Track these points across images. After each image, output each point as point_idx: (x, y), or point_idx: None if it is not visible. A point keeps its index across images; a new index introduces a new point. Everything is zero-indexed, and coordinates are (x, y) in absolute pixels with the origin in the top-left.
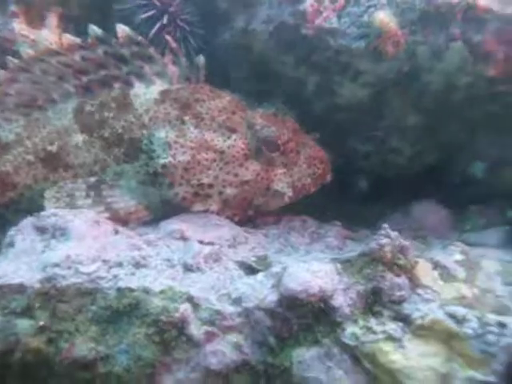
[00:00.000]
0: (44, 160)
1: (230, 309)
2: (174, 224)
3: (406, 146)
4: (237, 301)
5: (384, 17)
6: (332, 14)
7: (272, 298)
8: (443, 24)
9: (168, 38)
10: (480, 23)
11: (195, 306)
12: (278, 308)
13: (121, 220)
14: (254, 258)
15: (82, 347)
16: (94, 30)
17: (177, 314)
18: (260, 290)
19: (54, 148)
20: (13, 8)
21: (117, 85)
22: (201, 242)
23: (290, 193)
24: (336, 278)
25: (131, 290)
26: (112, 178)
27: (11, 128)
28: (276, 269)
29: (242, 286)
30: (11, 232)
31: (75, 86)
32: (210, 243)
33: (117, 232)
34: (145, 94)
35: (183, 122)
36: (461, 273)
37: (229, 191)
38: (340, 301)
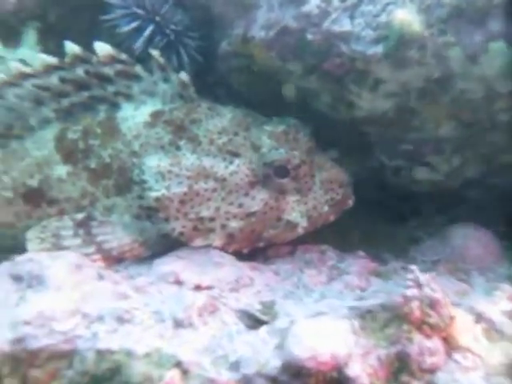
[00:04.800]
0: (25, 196)
1: (226, 375)
2: (167, 265)
3: (442, 160)
4: (234, 365)
5: (405, 16)
6: (343, 15)
7: (275, 363)
8: (480, 21)
9: (154, 52)
10: None
11: (184, 372)
12: (282, 376)
13: (114, 259)
14: (258, 306)
15: None
16: (72, 47)
17: None
18: (262, 352)
19: (34, 182)
20: None
21: (102, 107)
22: (198, 287)
23: (304, 223)
24: (352, 340)
25: (112, 351)
26: (102, 213)
27: None
28: (281, 323)
29: (241, 345)
30: None
31: (55, 111)
32: (209, 287)
33: (101, 277)
34: (133, 116)
35: (178, 148)
36: (509, 328)
37: (233, 224)
38: (357, 369)
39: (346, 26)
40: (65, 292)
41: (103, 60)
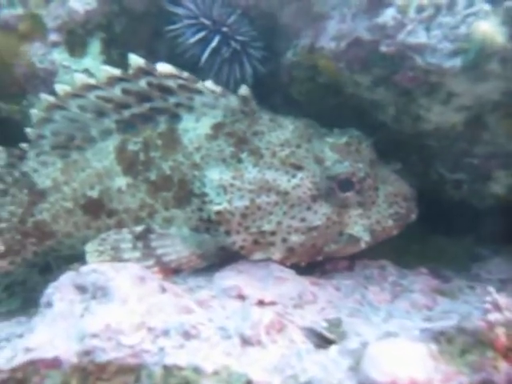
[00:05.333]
0: (84, 206)
1: None
2: (229, 279)
3: (508, 175)
4: None
5: (488, 28)
6: (419, 27)
7: None
8: None
9: (208, 84)
10: None
11: None
12: None
13: (172, 271)
14: (324, 324)
15: None
16: (136, 59)
17: None
18: (334, 373)
19: (94, 193)
20: (54, 37)
21: (162, 118)
22: (261, 302)
23: (367, 237)
24: (431, 365)
25: (179, 368)
26: (161, 225)
27: (47, 173)
28: (352, 344)
29: (311, 365)
30: (49, 290)
31: (116, 122)
32: (272, 303)
33: (164, 290)
34: (195, 128)
35: (239, 160)
36: None
37: (294, 238)
38: None
39: (421, 37)
40: (130, 305)
41: (165, 75)
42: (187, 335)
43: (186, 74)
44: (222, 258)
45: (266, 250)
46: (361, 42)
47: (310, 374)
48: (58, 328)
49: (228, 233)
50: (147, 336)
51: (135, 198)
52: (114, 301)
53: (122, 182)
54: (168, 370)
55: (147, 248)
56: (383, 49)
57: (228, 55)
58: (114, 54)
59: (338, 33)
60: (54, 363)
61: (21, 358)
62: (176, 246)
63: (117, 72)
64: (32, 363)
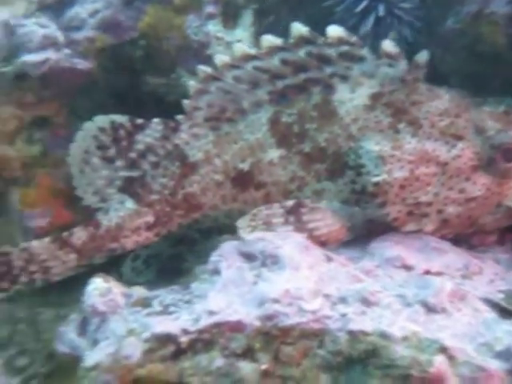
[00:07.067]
0: (234, 179)
1: (494, 364)
2: (390, 249)
3: None
4: (503, 354)
5: None
6: None
7: None
8: None
9: (386, 44)
10: None
11: (450, 358)
12: None
13: (321, 244)
14: (500, 295)
15: None
16: (298, 28)
17: (432, 369)
18: None
19: (246, 166)
20: (210, 9)
21: (315, 89)
22: (427, 272)
23: None
24: None
25: (366, 333)
26: (310, 197)
27: (200, 145)
28: None
29: (503, 334)
30: (214, 258)
31: (269, 93)
32: (439, 273)
33: (329, 259)
34: (351, 99)
35: (397, 131)
36: None
37: (451, 210)
38: None
39: None
40: (303, 272)
41: (331, 41)
42: (367, 302)
43: (354, 39)
44: (365, 231)
45: (418, 222)
46: None
47: (505, 343)
48: (230, 294)
49: (383, 204)
50: (325, 303)
51: (286, 170)
52: (286, 268)
53: (274, 154)
54: (353, 335)
55: (299, 222)
56: None
57: (391, 24)
58: (264, 25)
59: None
60: (238, 326)
61: (206, 321)
62: (327, 220)
63: (278, 41)
64: (217, 325)
